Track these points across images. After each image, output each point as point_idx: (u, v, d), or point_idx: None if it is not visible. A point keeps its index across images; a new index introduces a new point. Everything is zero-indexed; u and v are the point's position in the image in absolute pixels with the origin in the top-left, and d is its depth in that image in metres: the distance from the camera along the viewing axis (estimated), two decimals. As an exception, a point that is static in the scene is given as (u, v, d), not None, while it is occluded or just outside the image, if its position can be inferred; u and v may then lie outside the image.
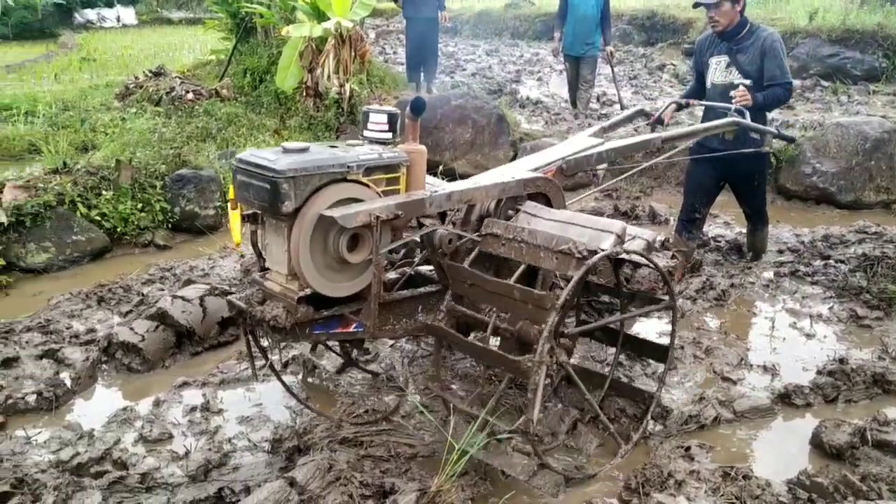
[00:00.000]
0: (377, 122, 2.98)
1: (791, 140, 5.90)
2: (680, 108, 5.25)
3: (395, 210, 2.77)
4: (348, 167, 2.72)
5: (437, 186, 3.14)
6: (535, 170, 3.47)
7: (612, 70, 10.21)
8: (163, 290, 4.98)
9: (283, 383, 3.58)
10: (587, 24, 9.21)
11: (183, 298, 4.34)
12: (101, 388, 4.00)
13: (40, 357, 4.15)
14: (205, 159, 6.92)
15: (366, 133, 2.99)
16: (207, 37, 14.07)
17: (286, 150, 2.68)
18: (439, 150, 7.95)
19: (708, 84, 5.06)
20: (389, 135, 2.96)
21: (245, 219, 2.88)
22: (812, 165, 7.05)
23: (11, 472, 3.05)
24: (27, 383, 3.91)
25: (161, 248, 6.13)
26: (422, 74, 10.65)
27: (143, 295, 4.89)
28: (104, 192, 5.99)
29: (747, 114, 4.61)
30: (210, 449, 3.34)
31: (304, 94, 8.80)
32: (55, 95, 10.15)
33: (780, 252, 5.74)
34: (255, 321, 2.88)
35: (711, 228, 6.22)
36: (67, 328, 4.49)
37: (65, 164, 6.16)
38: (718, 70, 4.96)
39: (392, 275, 3.26)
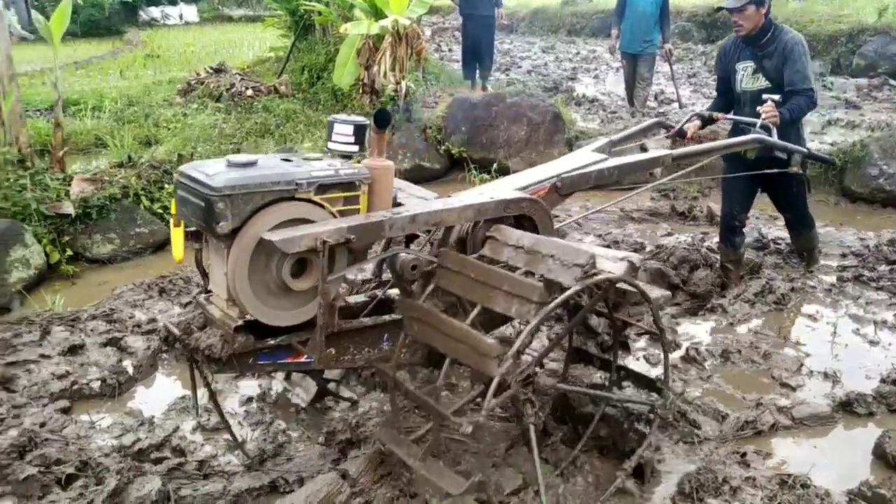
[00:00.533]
0: (342, 133, 2.70)
1: (830, 162, 5.53)
2: (705, 122, 4.91)
3: (347, 234, 2.47)
4: (297, 184, 2.45)
5: (416, 202, 2.87)
6: (527, 187, 3.19)
7: (671, 68, 10.05)
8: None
9: (222, 415, 3.31)
10: (645, 22, 9.09)
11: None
12: (162, 377, 4.11)
13: (104, 345, 4.29)
14: (263, 154, 7.04)
15: (330, 145, 2.73)
16: (267, 34, 14.30)
17: (230, 164, 2.44)
18: (494, 148, 7.95)
19: (737, 89, 4.82)
20: (356, 147, 2.69)
21: (189, 235, 2.69)
22: (879, 167, 6.83)
23: (77, 455, 3.15)
24: (92, 370, 4.04)
25: (220, 241, 6.25)
26: (477, 72, 10.65)
27: (202, 287, 4.99)
28: (166, 186, 6.16)
29: (774, 130, 4.36)
30: (265, 439, 3.41)
31: (361, 91, 8.88)
32: (120, 91, 10.45)
33: (844, 256, 5.58)
34: (190, 350, 2.62)
35: (771, 231, 6.08)
36: (130, 317, 4.63)
37: (129, 157, 6.35)
38: (746, 76, 4.75)
39: (360, 298, 3.03)
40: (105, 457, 3.19)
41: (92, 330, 4.43)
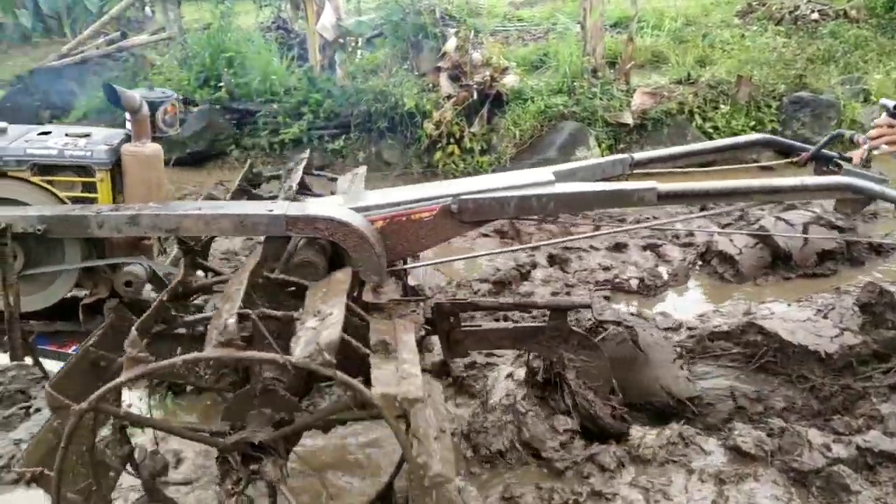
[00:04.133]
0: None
1: None
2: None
3: (37, 224, 2.17)
4: (4, 161, 2.26)
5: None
6: (399, 204, 2.38)
7: None
8: (763, 210, 5.00)
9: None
10: None
11: (786, 221, 4.31)
12: (692, 289, 4.28)
13: (644, 248, 4.67)
14: (825, 83, 6.59)
15: (128, 125, 2.44)
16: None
17: None
18: None
19: None
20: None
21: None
22: None
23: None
24: (631, 269, 4.42)
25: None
26: None
27: (743, 211, 4.98)
28: (721, 106, 6.21)
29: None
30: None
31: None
32: (679, 11, 10.64)
33: None
34: None
35: None
36: (670, 228, 4.84)
37: (689, 75, 6.52)
38: None
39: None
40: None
41: (635, 233, 4.78)
